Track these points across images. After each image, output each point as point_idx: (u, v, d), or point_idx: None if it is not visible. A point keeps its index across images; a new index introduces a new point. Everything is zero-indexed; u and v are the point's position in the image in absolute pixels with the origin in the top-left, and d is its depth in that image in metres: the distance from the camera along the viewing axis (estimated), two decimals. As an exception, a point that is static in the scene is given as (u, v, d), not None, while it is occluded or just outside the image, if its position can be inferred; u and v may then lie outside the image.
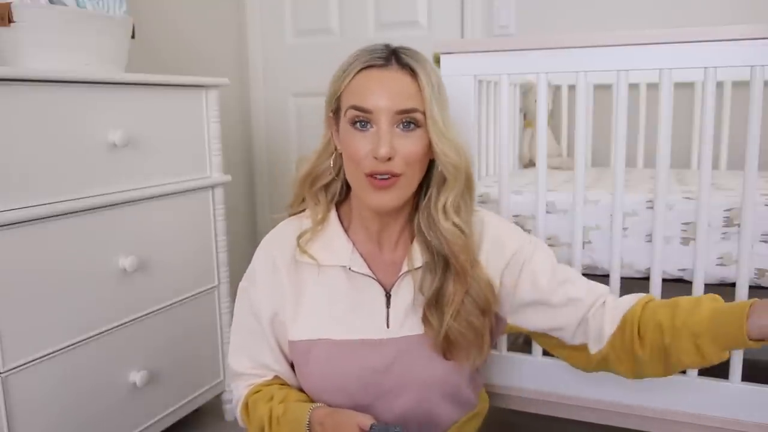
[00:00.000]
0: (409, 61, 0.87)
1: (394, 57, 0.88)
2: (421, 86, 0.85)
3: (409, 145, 0.85)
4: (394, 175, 0.85)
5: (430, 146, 0.87)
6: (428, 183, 0.93)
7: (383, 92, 0.84)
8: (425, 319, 0.92)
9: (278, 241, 0.98)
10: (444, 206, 0.90)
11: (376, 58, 0.87)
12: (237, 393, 1.00)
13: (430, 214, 0.91)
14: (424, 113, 0.86)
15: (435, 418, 0.95)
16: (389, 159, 0.84)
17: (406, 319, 0.93)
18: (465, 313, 0.91)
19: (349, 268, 0.93)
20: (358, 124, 0.86)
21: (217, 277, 1.60)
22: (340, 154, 0.92)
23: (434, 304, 0.91)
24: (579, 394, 1.28)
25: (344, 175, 0.94)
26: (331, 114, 0.93)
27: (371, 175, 0.85)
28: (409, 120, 0.85)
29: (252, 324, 0.97)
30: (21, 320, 1.11)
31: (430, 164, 0.91)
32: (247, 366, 0.98)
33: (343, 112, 0.88)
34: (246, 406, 0.96)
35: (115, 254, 1.29)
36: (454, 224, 0.90)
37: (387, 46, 0.90)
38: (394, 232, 0.95)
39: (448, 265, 0.91)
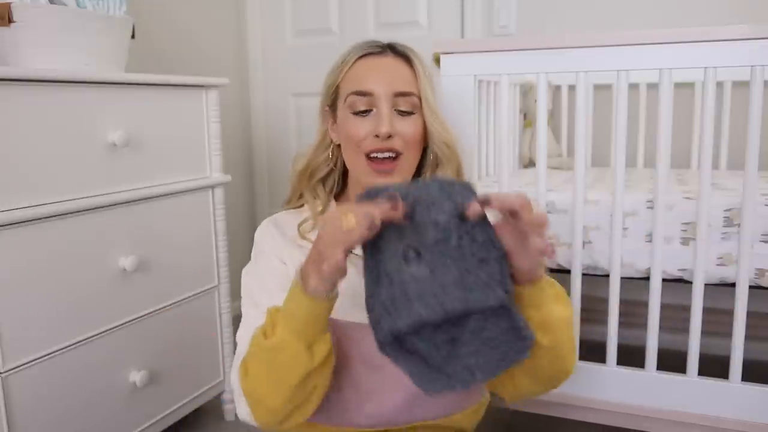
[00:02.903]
0: (404, 50, 0.94)
1: (389, 47, 0.94)
2: (417, 72, 0.92)
3: (407, 127, 0.90)
4: (396, 154, 0.89)
5: (424, 133, 0.92)
6: (422, 171, 0.97)
7: (382, 76, 0.90)
8: None
9: (278, 224, 0.98)
10: None
11: (373, 47, 0.93)
12: (240, 348, 0.86)
13: None
14: (419, 98, 0.91)
15: (441, 402, 0.95)
16: (390, 137, 0.88)
17: None
18: None
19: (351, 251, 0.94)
20: (358, 109, 0.90)
21: (217, 277, 1.60)
22: (337, 145, 0.96)
23: None
24: (579, 394, 1.28)
25: (341, 166, 0.98)
26: (327, 107, 0.97)
27: (372, 158, 0.89)
28: (406, 103, 0.90)
29: (268, 284, 0.90)
30: (21, 320, 1.11)
31: (423, 153, 0.95)
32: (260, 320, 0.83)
33: (342, 100, 0.92)
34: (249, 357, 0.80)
35: (115, 254, 1.29)
36: None
37: (381, 41, 0.95)
38: None
39: None
